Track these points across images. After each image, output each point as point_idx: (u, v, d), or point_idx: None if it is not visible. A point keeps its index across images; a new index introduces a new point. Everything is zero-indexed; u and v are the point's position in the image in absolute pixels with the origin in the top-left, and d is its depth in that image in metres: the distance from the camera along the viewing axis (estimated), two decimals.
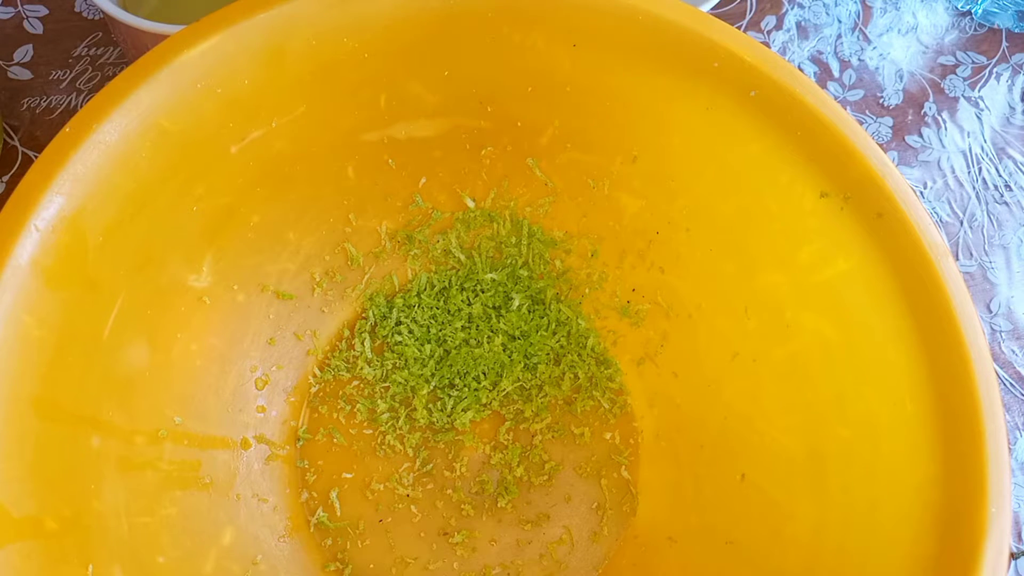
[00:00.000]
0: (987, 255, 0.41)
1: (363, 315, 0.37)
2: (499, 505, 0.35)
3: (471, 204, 0.36)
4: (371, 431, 0.35)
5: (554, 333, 0.37)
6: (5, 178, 0.39)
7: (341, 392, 0.36)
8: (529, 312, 0.37)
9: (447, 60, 0.30)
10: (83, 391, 0.27)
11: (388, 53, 0.29)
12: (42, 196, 0.24)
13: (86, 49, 0.42)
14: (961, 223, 0.41)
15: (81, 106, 0.40)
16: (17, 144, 0.40)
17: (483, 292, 0.37)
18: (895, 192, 0.27)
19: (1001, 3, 0.42)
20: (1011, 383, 0.39)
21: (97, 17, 0.42)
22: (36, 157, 0.38)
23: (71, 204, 0.25)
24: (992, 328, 0.39)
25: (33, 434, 0.25)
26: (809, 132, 0.28)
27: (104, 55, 0.42)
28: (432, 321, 0.36)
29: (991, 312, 0.40)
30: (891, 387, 0.27)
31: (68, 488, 0.26)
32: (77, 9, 0.42)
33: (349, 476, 0.35)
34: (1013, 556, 0.35)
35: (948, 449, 0.25)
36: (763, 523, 0.31)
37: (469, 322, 0.36)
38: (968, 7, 0.44)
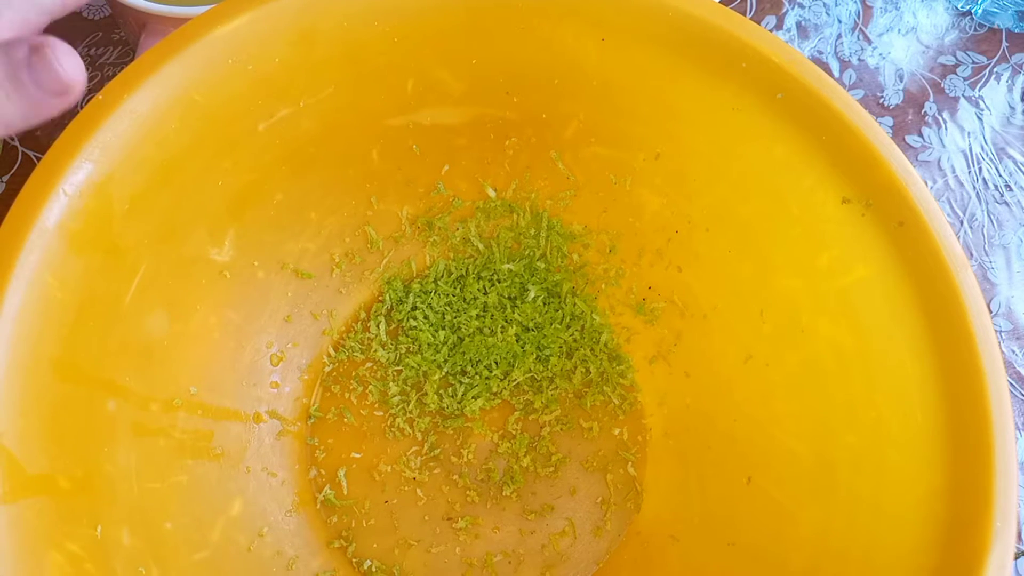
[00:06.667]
0: (987, 255, 0.41)
1: (380, 298, 0.37)
2: (504, 494, 0.35)
3: (492, 194, 0.36)
4: (381, 413, 0.36)
5: (568, 327, 0.37)
6: (5, 178, 0.39)
7: (354, 373, 0.36)
8: (544, 304, 0.37)
9: (476, 49, 0.30)
10: (102, 355, 0.27)
11: (418, 38, 0.29)
12: (72, 161, 0.24)
13: (86, 49, 0.41)
14: (961, 223, 0.41)
15: (81, 106, 0.40)
16: (17, 144, 0.40)
17: (499, 282, 0.37)
18: (918, 201, 0.26)
19: (1001, 3, 0.41)
20: (1011, 383, 0.39)
21: (97, 17, 0.42)
22: (36, 157, 0.39)
23: (100, 171, 0.25)
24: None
25: (51, 394, 0.25)
26: (835, 137, 0.28)
27: (104, 55, 0.41)
28: (447, 308, 0.37)
29: (991, 312, 0.40)
30: (902, 396, 0.27)
31: (82, 449, 0.26)
32: (77, 9, 0.42)
33: (358, 456, 0.35)
34: (1014, 556, 0.35)
35: (956, 461, 0.25)
36: (766, 526, 0.31)
37: (484, 311, 0.37)
38: (968, 7, 0.44)
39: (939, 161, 0.42)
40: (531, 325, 0.36)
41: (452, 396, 0.36)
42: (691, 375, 0.35)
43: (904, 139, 0.43)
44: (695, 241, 0.34)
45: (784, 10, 0.44)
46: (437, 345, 0.36)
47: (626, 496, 0.35)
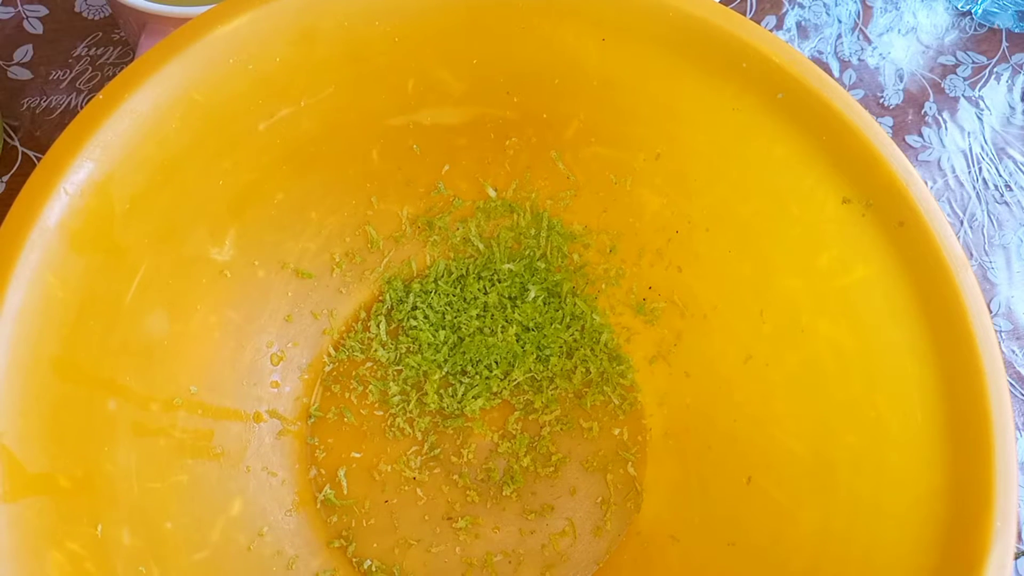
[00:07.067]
0: (987, 255, 0.41)
1: (380, 298, 0.37)
2: (504, 493, 0.35)
3: (492, 194, 0.36)
4: (382, 412, 0.36)
5: (568, 327, 0.37)
6: (5, 178, 0.39)
7: (354, 373, 0.36)
8: (544, 304, 0.37)
9: (476, 48, 0.30)
10: (102, 355, 0.27)
11: (418, 38, 0.29)
12: (72, 160, 0.24)
13: (86, 49, 0.41)
14: (961, 223, 0.41)
15: (81, 106, 0.40)
16: (17, 144, 0.40)
17: (500, 282, 0.37)
18: (918, 201, 0.26)
19: (1001, 3, 0.42)
20: (1011, 383, 0.39)
21: (97, 17, 0.42)
22: (37, 157, 0.39)
23: (100, 170, 0.25)
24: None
25: (51, 394, 0.25)
26: (835, 137, 0.28)
27: (104, 55, 0.41)
28: (448, 308, 0.37)
29: (991, 312, 0.40)
30: (902, 396, 0.27)
31: (82, 449, 0.26)
32: (77, 9, 0.42)
33: (358, 456, 0.35)
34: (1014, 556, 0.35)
35: (956, 462, 0.25)
36: (766, 526, 0.31)
37: (484, 311, 0.37)
38: (968, 7, 0.44)
39: (939, 161, 0.42)
40: (531, 325, 0.36)
41: (452, 396, 0.36)
42: (691, 375, 0.35)
43: (904, 139, 0.43)
44: (695, 241, 0.34)
45: (784, 10, 0.45)
46: (437, 345, 0.36)
47: (626, 496, 0.35)
